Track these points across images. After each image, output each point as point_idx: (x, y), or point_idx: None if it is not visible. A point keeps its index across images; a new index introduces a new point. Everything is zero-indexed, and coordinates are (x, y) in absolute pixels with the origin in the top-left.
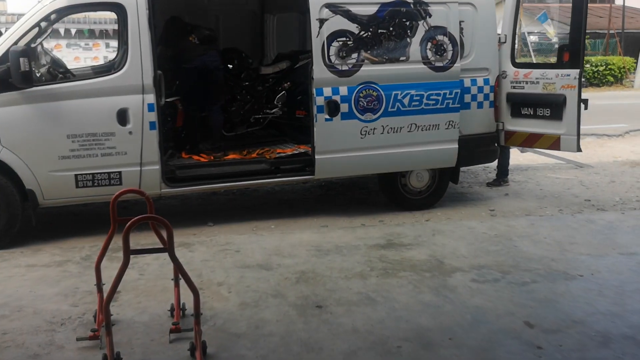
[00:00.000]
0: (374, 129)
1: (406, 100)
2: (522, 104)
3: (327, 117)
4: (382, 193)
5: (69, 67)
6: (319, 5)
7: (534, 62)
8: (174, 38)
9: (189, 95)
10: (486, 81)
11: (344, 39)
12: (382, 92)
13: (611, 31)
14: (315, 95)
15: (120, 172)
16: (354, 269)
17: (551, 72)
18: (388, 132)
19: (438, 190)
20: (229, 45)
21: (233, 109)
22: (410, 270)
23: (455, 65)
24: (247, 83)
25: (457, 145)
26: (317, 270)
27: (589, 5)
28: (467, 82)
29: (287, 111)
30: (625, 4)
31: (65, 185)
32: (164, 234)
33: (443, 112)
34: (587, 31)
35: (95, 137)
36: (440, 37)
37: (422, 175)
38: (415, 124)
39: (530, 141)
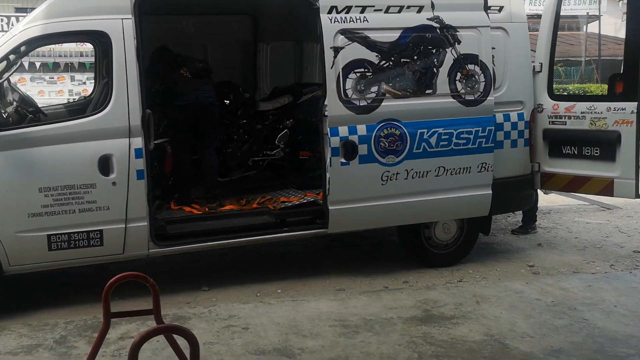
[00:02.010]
0: (397, 173)
1: (433, 140)
2: (563, 142)
3: (343, 160)
4: (402, 246)
5: (39, 105)
6: (334, 32)
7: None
8: (162, 71)
9: (180, 136)
10: (520, 116)
11: (362, 69)
12: (406, 131)
13: (587, 58)
14: (329, 135)
15: (101, 231)
16: (398, 355)
17: (601, 106)
18: (413, 177)
19: (466, 243)
20: (218, 78)
21: (229, 151)
22: (470, 359)
23: (488, 98)
24: (244, 121)
25: (490, 191)
26: (353, 359)
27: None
28: (499, 118)
29: (289, 152)
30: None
31: (36, 248)
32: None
33: (475, 153)
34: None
35: (73, 189)
36: (470, 67)
37: (449, 226)
38: (444, 167)
39: (574, 185)
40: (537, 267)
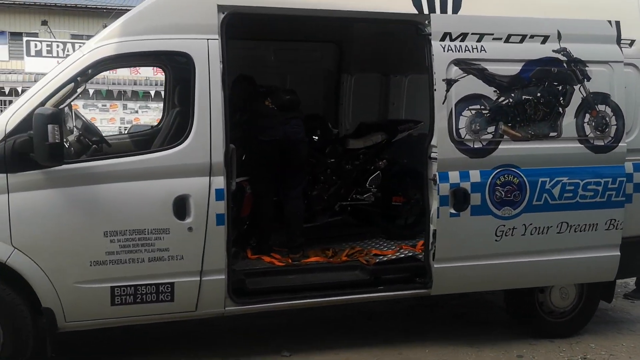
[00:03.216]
0: (514, 228)
1: (556, 191)
2: None
3: (453, 211)
4: (509, 311)
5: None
6: (447, 62)
7: None
8: (243, 101)
9: (262, 175)
10: None
11: (478, 106)
12: (526, 179)
13: None
14: (437, 181)
15: (172, 284)
16: None
17: None
18: (531, 233)
19: (586, 311)
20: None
21: (315, 194)
22: None
23: (620, 144)
24: (332, 160)
25: (618, 252)
26: None
27: None
28: (628, 167)
29: (380, 196)
30: None
31: (97, 302)
32: None
33: (603, 208)
34: None
35: (143, 235)
36: (601, 107)
37: (567, 291)
38: (567, 223)
39: None
40: None
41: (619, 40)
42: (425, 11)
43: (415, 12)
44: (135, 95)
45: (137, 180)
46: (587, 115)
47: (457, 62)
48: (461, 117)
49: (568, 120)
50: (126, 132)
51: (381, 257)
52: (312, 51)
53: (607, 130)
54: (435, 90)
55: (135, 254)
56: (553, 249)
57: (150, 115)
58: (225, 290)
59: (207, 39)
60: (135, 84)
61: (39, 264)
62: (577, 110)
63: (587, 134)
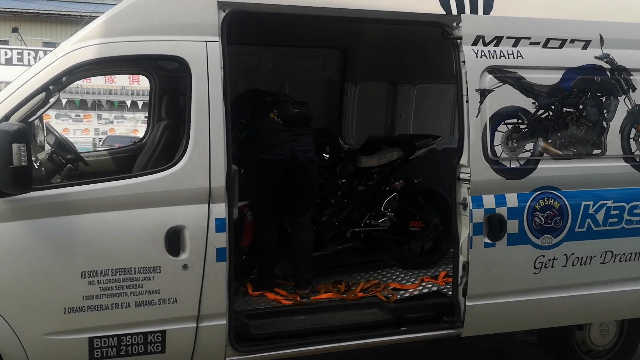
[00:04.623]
0: (554, 259)
1: (600, 216)
2: None
3: (488, 241)
4: (544, 350)
5: (79, 150)
6: (480, 69)
7: None
8: (246, 113)
9: (265, 200)
10: None
11: (515, 120)
12: (567, 203)
13: None
14: (471, 206)
15: (163, 333)
16: None
17: None
18: (573, 264)
19: (627, 349)
20: None
21: (324, 219)
22: None
23: None
24: (343, 180)
25: None
26: None
27: None
28: None
29: (397, 221)
30: None
31: (73, 357)
32: None
33: None
34: None
35: (128, 274)
36: None
37: (607, 328)
38: (612, 252)
39: None
40: None
41: None
42: (454, 12)
43: (443, 12)
44: (110, 105)
45: (121, 209)
46: (633, 131)
47: (492, 70)
48: (496, 132)
49: (612, 136)
50: (101, 143)
51: (402, 292)
52: (313, 58)
53: None
54: (467, 101)
55: (119, 297)
56: (597, 282)
57: (126, 125)
58: (226, 337)
59: (206, 42)
60: (110, 93)
61: (0, 313)
62: (622, 124)
63: (632, 151)
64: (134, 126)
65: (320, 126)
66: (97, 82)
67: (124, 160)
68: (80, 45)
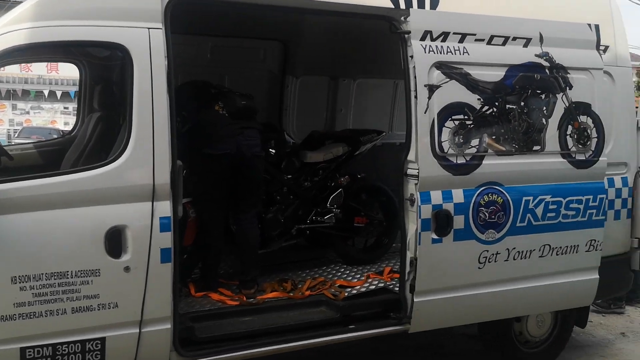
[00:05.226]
0: (497, 253)
1: (539, 211)
2: None
3: (435, 236)
4: (484, 343)
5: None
6: (429, 65)
7: None
8: (188, 106)
9: (209, 196)
10: (624, 181)
11: (462, 116)
12: (510, 198)
13: None
14: (419, 202)
15: (103, 340)
16: None
17: None
18: (514, 258)
19: (560, 339)
20: None
21: (270, 216)
22: None
23: (600, 159)
24: (289, 176)
25: (597, 275)
26: None
27: None
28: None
29: (342, 217)
30: None
31: None
32: None
33: (584, 228)
34: None
35: (65, 279)
36: (583, 119)
37: (543, 319)
38: (550, 246)
39: None
40: None
41: (598, 46)
42: (402, 6)
43: (391, 6)
44: (27, 95)
45: (56, 208)
46: (570, 127)
47: (439, 66)
48: (444, 128)
49: (551, 133)
50: (17, 135)
51: (349, 289)
52: (254, 49)
53: (588, 143)
54: (415, 97)
55: (55, 304)
56: (536, 275)
57: (44, 116)
58: (171, 342)
59: (149, 28)
60: (26, 82)
61: None
62: (559, 121)
63: (569, 147)
64: (52, 117)
65: (261, 120)
66: (12, 70)
67: (53, 154)
68: (8, 30)
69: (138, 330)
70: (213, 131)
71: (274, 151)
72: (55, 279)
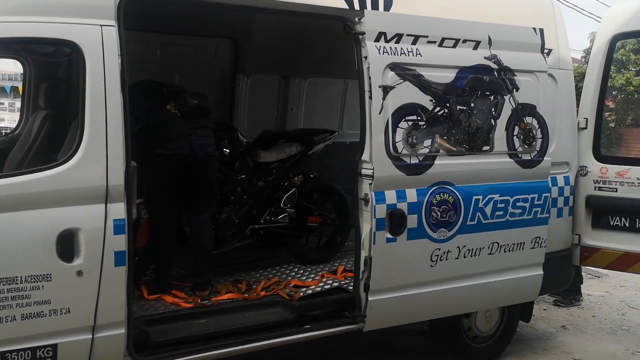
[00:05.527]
0: (448, 251)
1: (488, 209)
2: (611, 212)
3: (390, 236)
4: (434, 339)
5: None
6: (383, 66)
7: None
8: (139, 105)
9: (162, 197)
10: (566, 180)
11: (415, 117)
12: (460, 197)
13: None
14: (374, 202)
15: (54, 347)
16: None
17: None
18: (465, 256)
19: (506, 333)
20: None
21: (224, 216)
22: None
23: (545, 159)
24: (243, 176)
25: (542, 271)
26: None
27: None
28: None
29: (295, 217)
30: None
31: None
32: None
33: (530, 225)
34: None
35: (14, 284)
36: (528, 120)
37: (491, 314)
38: (498, 243)
39: (624, 263)
40: None
41: (542, 49)
42: (357, 6)
43: (346, 6)
44: None
45: (3, 211)
46: (517, 128)
47: (393, 67)
48: (398, 129)
49: (499, 133)
50: None
51: (304, 289)
52: (205, 47)
53: (533, 143)
54: (370, 97)
55: (3, 310)
56: (484, 272)
57: None
58: (125, 347)
59: (101, 25)
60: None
61: None
62: (507, 122)
63: (516, 147)
64: None
65: (213, 119)
66: None
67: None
68: None
69: (91, 336)
70: (165, 131)
71: (228, 151)
72: (3, 285)
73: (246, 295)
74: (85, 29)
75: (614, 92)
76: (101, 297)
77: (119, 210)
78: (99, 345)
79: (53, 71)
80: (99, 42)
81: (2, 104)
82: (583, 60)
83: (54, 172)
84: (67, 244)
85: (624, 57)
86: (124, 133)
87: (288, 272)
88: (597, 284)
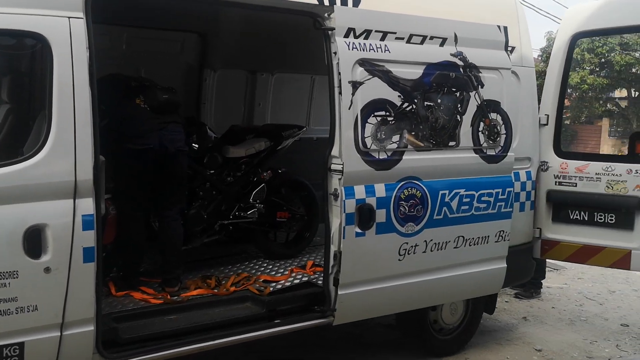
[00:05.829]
0: (416, 245)
1: (454, 204)
2: (571, 206)
3: (359, 230)
4: (401, 331)
5: None
6: (352, 62)
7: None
8: (107, 99)
9: (131, 193)
10: (528, 175)
11: (384, 113)
12: (427, 192)
13: None
14: (344, 197)
15: (21, 345)
16: None
17: (620, 167)
18: (431, 250)
19: (471, 325)
20: None
21: (192, 212)
22: None
23: (508, 154)
24: (212, 171)
25: (505, 264)
26: None
27: None
28: None
29: (264, 212)
30: None
31: None
32: None
33: (494, 219)
34: None
35: None
36: (493, 116)
37: (456, 307)
38: (463, 237)
39: (582, 255)
40: (546, 352)
41: (506, 47)
42: (326, 2)
43: (315, 2)
44: None
45: None
46: (482, 124)
47: (362, 62)
48: (367, 124)
49: (465, 129)
50: None
51: (273, 284)
52: (171, 41)
53: (497, 139)
54: (340, 93)
55: None
56: (450, 265)
57: None
58: (94, 344)
59: (69, 17)
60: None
61: None
62: (472, 118)
63: (481, 143)
64: None
65: (181, 114)
66: None
67: None
68: None
69: (59, 334)
70: (134, 126)
71: (197, 146)
72: None
73: (216, 290)
74: (52, 21)
75: (569, 90)
76: (69, 294)
77: (87, 205)
78: (67, 343)
79: (17, 64)
80: (67, 34)
81: None
82: (540, 59)
83: (19, 167)
84: (34, 240)
85: (578, 56)
86: (92, 127)
87: (257, 267)
88: (556, 277)
